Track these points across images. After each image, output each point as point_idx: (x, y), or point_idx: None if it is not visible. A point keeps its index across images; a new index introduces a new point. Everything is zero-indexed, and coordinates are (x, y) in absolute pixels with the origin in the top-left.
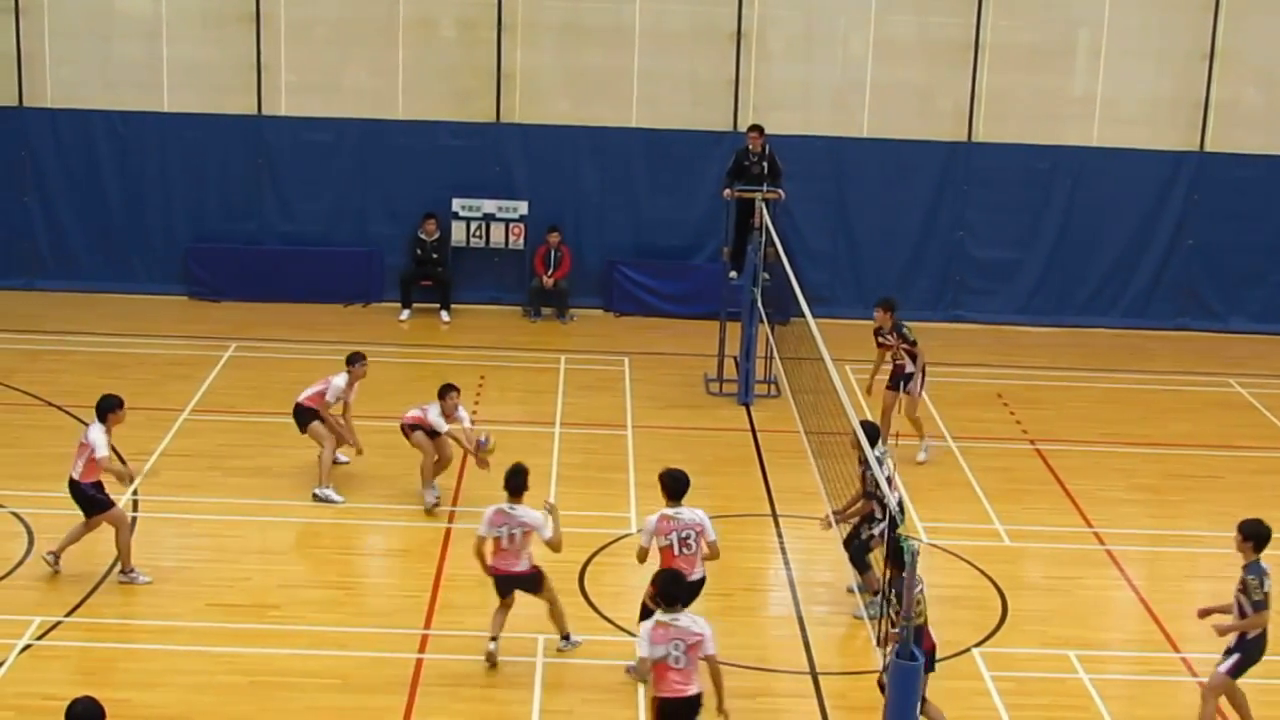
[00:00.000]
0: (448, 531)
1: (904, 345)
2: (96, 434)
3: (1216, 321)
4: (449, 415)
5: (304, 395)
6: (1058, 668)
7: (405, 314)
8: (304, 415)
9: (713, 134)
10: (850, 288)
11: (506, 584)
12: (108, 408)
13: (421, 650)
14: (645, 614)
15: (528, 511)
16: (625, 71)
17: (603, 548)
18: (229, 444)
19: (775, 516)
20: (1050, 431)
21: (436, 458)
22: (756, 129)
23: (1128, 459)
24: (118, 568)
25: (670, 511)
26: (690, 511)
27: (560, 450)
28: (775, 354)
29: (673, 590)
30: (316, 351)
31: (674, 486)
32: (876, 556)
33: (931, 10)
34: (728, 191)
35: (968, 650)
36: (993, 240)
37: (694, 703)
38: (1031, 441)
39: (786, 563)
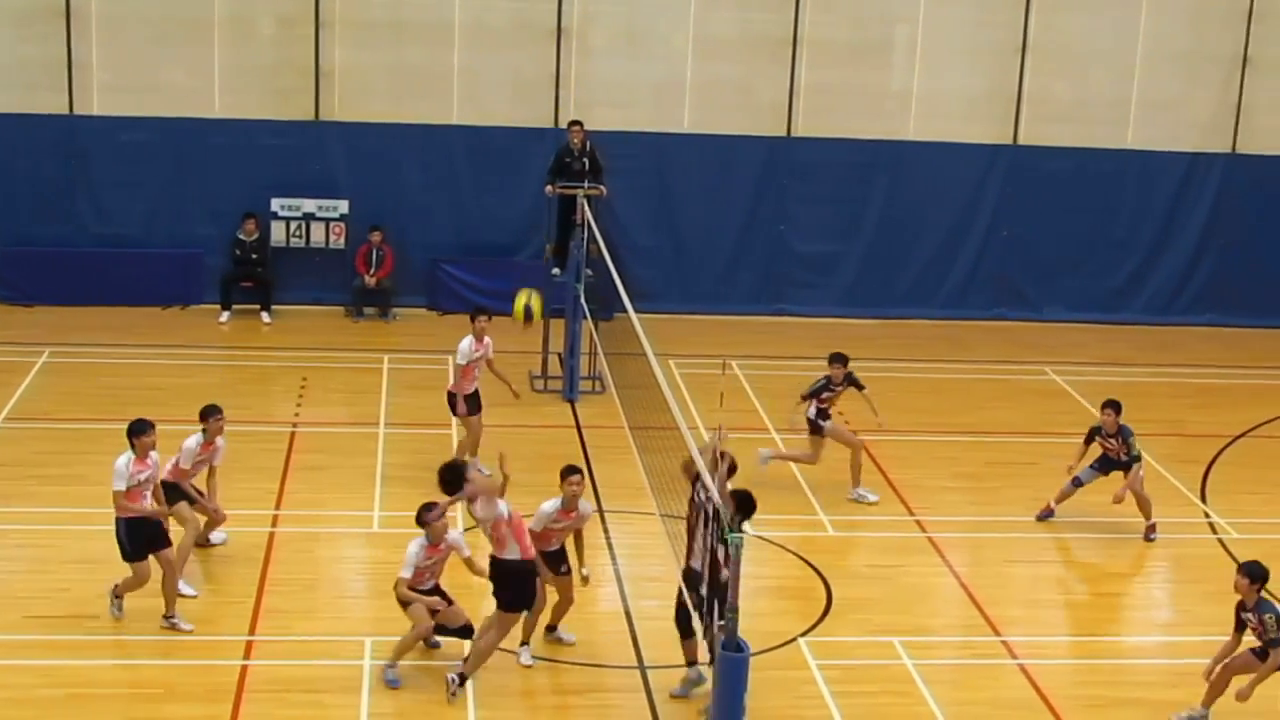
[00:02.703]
0: (271, 536)
1: None
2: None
3: (1032, 311)
4: (480, 338)
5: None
6: (883, 654)
7: (225, 316)
8: (168, 492)
9: (535, 130)
10: (674, 283)
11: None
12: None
13: (247, 656)
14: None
15: None
16: (446, 68)
17: None
18: (45, 452)
19: (602, 512)
20: (872, 422)
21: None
22: (578, 124)
23: (948, 448)
24: None
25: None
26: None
27: (385, 450)
28: (600, 350)
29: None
30: (135, 355)
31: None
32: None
33: (751, 6)
34: (550, 188)
35: (794, 640)
36: (814, 234)
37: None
38: (854, 432)
39: (614, 558)
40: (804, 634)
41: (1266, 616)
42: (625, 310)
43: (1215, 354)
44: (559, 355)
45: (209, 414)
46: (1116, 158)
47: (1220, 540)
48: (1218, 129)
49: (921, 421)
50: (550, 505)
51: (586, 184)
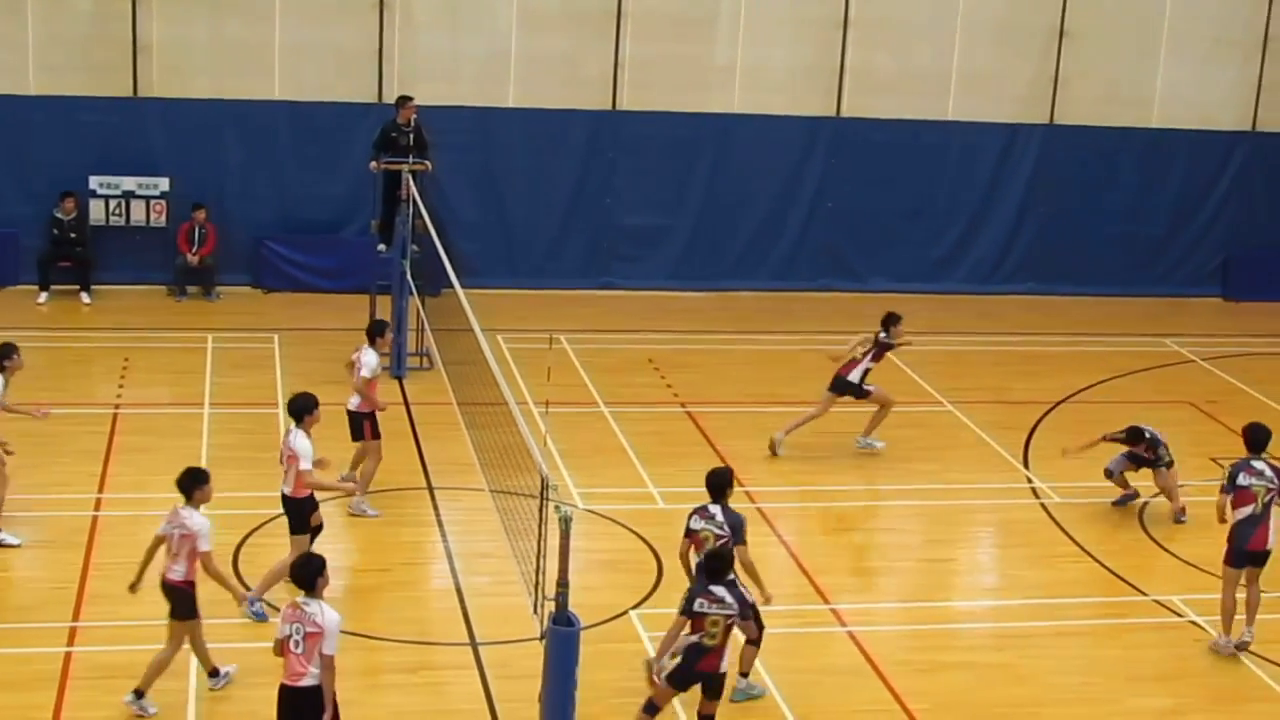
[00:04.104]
0: (94, 520)
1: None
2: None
3: (857, 281)
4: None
5: None
6: None
7: (44, 296)
8: None
9: (358, 106)
10: (500, 258)
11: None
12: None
13: (71, 643)
14: None
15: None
16: (267, 43)
17: (257, 528)
18: None
19: (431, 489)
20: (701, 394)
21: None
22: (410, 100)
23: (776, 419)
24: None
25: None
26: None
27: (210, 431)
28: (427, 326)
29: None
30: None
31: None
32: None
33: None
34: (374, 164)
35: (625, 613)
36: (641, 207)
37: (304, 695)
38: (683, 404)
39: (444, 535)
40: (635, 606)
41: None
42: (452, 286)
43: (1036, 322)
44: None
45: (10, 352)
46: (938, 129)
47: (1043, 505)
48: (1036, 100)
49: (749, 392)
50: (374, 357)
51: (412, 159)
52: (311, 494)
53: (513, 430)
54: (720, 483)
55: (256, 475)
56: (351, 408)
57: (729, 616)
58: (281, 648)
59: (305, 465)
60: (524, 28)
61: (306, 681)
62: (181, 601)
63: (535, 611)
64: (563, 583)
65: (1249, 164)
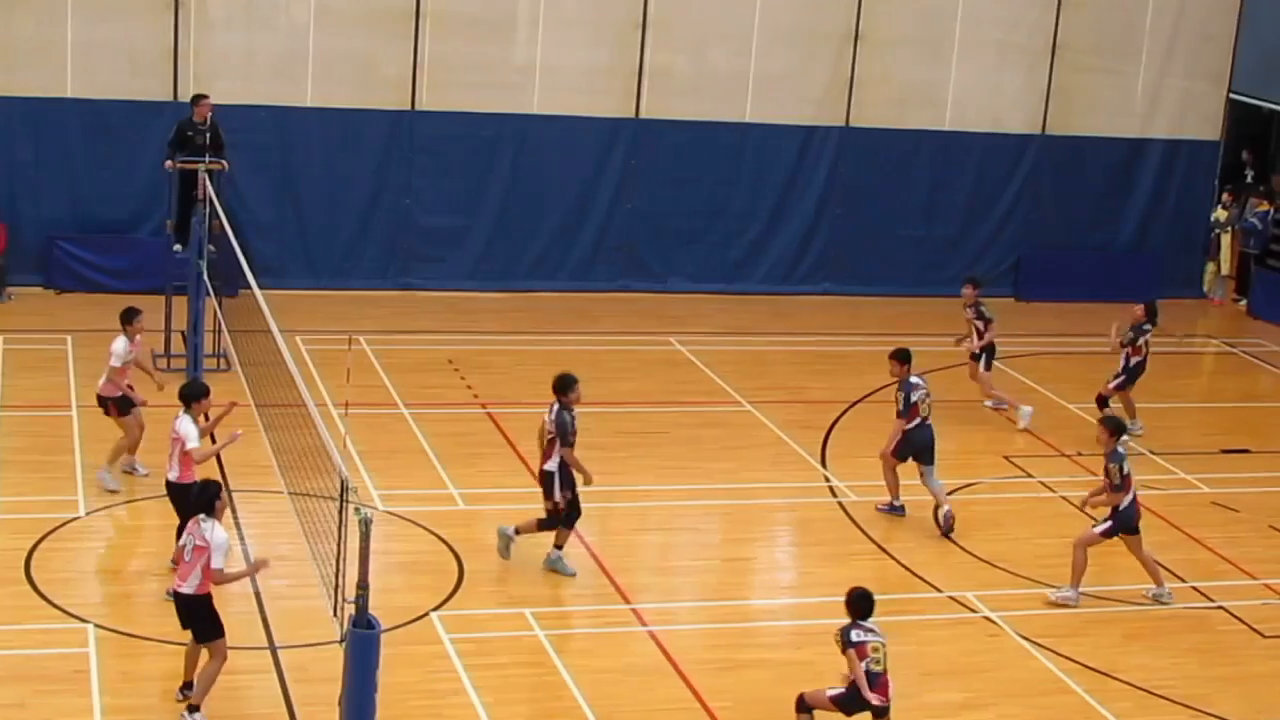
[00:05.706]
0: None
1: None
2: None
3: (656, 282)
4: (133, 339)
5: None
6: (515, 626)
7: None
8: None
9: (153, 104)
10: (298, 258)
11: None
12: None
13: None
14: None
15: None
16: (59, 39)
17: (50, 532)
18: None
19: (229, 492)
20: (501, 395)
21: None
22: (205, 98)
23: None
24: None
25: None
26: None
27: (2, 434)
28: (224, 327)
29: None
30: None
31: None
32: None
33: None
34: (169, 163)
35: (426, 615)
36: (440, 208)
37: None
38: (483, 405)
39: (242, 538)
40: (436, 608)
41: (1111, 466)
42: (249, 286)
43: (832, 322)
44: (182, 333)
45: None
46: (735, 130)
47: (840, 503)
48: (831, 102)
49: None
50: (123, 344)
51: (208, 158)
52: (195, 481)
53: (311, 432)
54: (560, 385)
55: (48, 479)
56: (100, 391)
57: (884, 644)
58: (178, 555)
59: (192, 444)
60: (321, 26)
61: (186, 589)
62: None
63: (335, 614)
64: (363, 585)
65: (1039, 166)
